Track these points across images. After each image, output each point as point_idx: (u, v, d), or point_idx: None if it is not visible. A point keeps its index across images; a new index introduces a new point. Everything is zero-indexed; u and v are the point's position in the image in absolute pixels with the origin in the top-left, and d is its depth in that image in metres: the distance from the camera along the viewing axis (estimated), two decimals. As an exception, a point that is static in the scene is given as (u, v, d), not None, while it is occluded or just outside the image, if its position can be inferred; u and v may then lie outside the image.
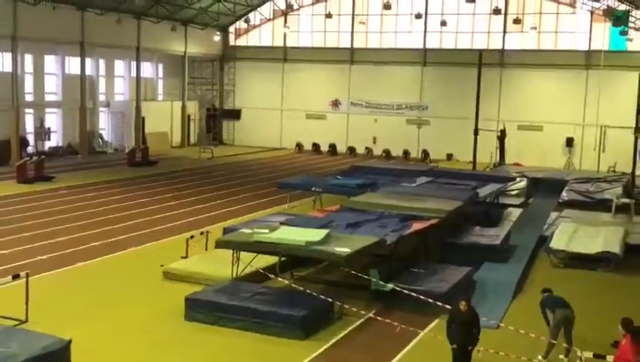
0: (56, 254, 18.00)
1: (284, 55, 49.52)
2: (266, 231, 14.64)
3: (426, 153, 43.87)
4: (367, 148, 45.77)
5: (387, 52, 46.83)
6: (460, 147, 42.38)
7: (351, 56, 47.73)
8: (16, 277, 13.29)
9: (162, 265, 16.44)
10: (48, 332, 10.37)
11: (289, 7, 48.45)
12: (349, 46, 47.89)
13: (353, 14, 47.56)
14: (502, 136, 38.57)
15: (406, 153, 44.74)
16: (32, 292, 12.94)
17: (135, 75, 44.06)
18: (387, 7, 42.67)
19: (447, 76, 45.12)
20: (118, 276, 16.49)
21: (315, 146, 46.96)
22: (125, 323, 13.24)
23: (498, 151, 38.76)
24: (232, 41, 51.50)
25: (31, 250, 18.23)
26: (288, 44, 49.53)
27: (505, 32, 44.33)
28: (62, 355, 9.97)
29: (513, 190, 27.85)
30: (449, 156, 44.67)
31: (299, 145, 47.59)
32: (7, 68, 35.79)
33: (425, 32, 45.98)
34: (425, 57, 45.97)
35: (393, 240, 15.35)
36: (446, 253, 17.99)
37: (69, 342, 10.04)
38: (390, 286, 14.02)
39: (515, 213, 24.34)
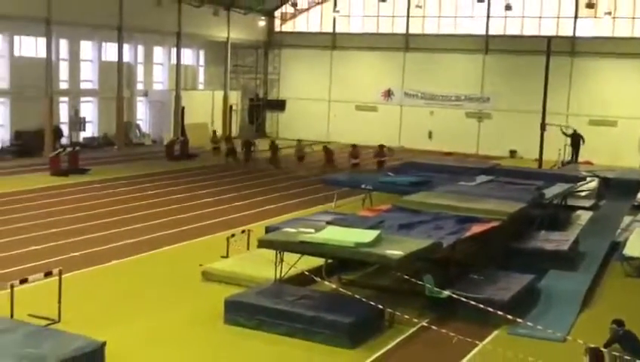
0: (89, 251, 18.35)
1: (332, 42, 49.56)
2: (312, 230, 14.62)
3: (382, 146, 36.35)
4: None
5: (446, 38, 46.46)
6: (524, 143, 41.85)
7: (406, 43, 47.50)
8: (48, 274, 13.56)
9: (201, 265, 16.60)
10: (81, 333, 10.57)
11: (339, -11, 48.42)
12: (403, 32, 47.66)
13: (409, -3, 47.26)
14: (576, 140, 37.82)
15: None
16: (64, 291, 13.19)
17: (175, 63, 44.61)
18: (445, -11, 42.34)
19: (512, 65, 44.60)
20: (154, 275, 16.73)
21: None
22: (162, 325, 13.40)
23: (572, 152, 38.08)
24: (277, 27, 51.79)
25: (63, 246, 18.62)
26: (338, 30, 49.56)
27: (576, 17, 43.59)
28: (95, 358, 10.15)
29: (583, 191, 27.32)
30: (512, 153, 44.17)
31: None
32: (42, 54, 36.61)
33: (488, 16, 45.53)
34: (487, 44, 45.50)
35: (450, 244, 15.17)
36: (508, 258, 17.71)
37: (104, 344, 10.22)
38: (446, 293, 13.87)
39: (584, 216, 23.86)
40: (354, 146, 35.27)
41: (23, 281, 12.98)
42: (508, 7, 43.90)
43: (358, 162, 34.08)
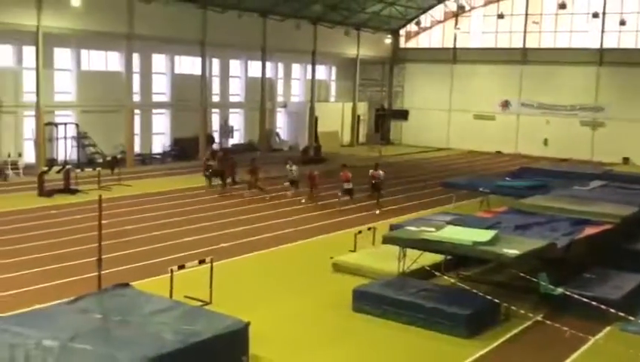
0: (236, 243, 18.98)
1: (453, 56, 48.83)
2: (433, 229, 14.50)
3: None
4: None
5: (561, 52, 44.75)
6: (637, 150, 39.73)
7: (523, 57, 46.10)
8: (202, 262, 14.13)
9: (332, 257, 16.80)
10: (229, 314, 10.96)
11: (460, 8, 47.73)
12: (521, 46, 46.28)
13: (526, 14, 45.92)
14: None
15: None
16: (215, 277, 13.71)
17: (310, 78, 45.35)
18: (562, 6, 40.86)
19: (626, 77, 42.40)
20: (290, 265, 17.09)
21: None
22: (297, 309, 13.70)
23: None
24: (402, 44, 51.61)
25: (214, 238, 19.36)
26: (458, 45, 48.80)
27: (692, 29, 40.84)
28: (241, 336, 10.51)
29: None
30: (625, 160, 41.93)
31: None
32: (197, 71, 38.28)
33: (602, 31, 43.45)
34: (601, 57, 43.42)
35: (564, 245, 14.60)
36: (620, 259, 16.82)
37: (248, 323, 10.55)
38: (560, 290, 13.38)
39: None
40: (344, 166, 26.47)
41: (181, 267, 13.59)
42: (622, 22, 41.77)
43: (351, 187, 25.09)
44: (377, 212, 23.80)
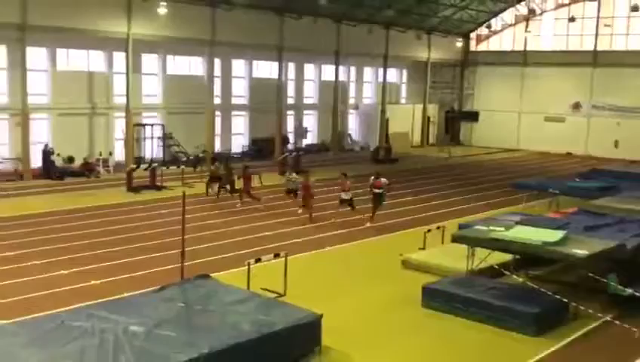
0: (308, 238, 19.14)
1: (524, 59, 47.70)
2: (502, 229, 14.20)
3: None
4: None
5: (633, 54, 43.05)
6: None
7: (594, 59, 44.58)
8: (277, 256, 14.32)
9: (401, 255, 16.73)
10: (302, 306, 11.07)
11: (531, 12, 46.58)
12: (592, 49, 44.79)
13: (598, 17, 44.38)
14: None
15: None
16: (289, 270, 13.86)
17: (382, 81, 45.19)
18: (635, 9, 39.30)
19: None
20: (361, 261, 17.10)
21: None
22: (368, 304, 13.69)
23: None
24: (472, 47, 50.76)
25: (288, 234, 19.58)
26: (529, 48, 47.64)
27: None
28: (314, 327, 10.61)
29: None
30: (700, 162, 40.01)
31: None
32: (274, 75, 38.74)
33: (677, 32, 41.58)
34: (676, 59, 41.57)
35: (634, 246, 14.08)
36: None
37: (320, 316, 10.64)
38: (629, 291, 12.93)
39: None
40: (345, 175, 22.25)
41: (258, 261, 13.81)
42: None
43: (350, 198, 21.69)
44: (367, 224, 21.07)
